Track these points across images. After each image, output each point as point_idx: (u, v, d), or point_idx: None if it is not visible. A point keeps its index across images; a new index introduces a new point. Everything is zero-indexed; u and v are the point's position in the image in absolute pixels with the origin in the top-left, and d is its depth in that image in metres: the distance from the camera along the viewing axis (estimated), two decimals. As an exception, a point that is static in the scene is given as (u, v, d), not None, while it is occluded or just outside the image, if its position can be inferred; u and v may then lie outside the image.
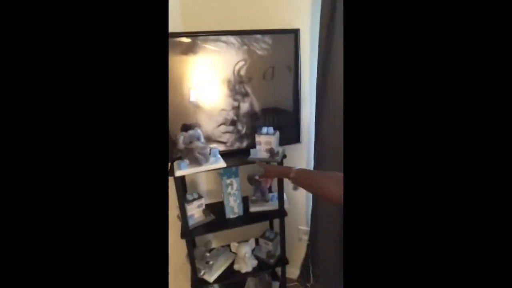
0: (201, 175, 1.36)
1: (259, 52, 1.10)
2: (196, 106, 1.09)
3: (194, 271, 1.14)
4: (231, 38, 1.06)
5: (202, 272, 1.16)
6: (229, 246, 1.31)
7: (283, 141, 1.16)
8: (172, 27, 1.15)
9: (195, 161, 1.01)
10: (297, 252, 1.52)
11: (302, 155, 1.35)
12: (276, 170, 0.94)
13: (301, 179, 0.78)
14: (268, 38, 1.09)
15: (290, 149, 1.25)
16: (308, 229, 1.44)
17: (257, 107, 1.17)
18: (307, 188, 0.80)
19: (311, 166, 1.34)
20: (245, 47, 1.08)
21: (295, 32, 1.12)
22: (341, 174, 0.66)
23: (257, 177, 0.99)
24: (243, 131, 1.17)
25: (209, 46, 1.05)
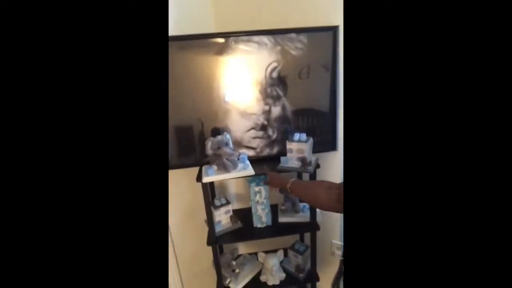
0: (230, 180, 1.33)
1: (293, 53, 1.02)
2: (230, 107, 1.05)
3: (220, 278, 1.12)
4: (264, 38, 1.00)
5: (228, 280, 1.13)
6: (256, 254, 1.26)
7: (317, 148, 1.07)
8: (205, 28, 1.14)
9: (223, 167, 0.98)
10: (330, 267, 1.41)
11: (338, 165, 1.22)
12: (278, 179, 0.91)
13: (296, 189, 0.81)
14: (303, 37, 1.01)
15: (324, 158, 1.15)
16: (342, 244, 1.33)
17: (289, 110, 1.09)
18: (302, 197, 0.85)
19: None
20: (279, 48, 1.01)
21: (334, 30, 1.01)
22: (330, 182, 0.73)
23: (262, 183, 0.99)
24: (274, 136, 1.11)
25: (242, 47, 1.00)
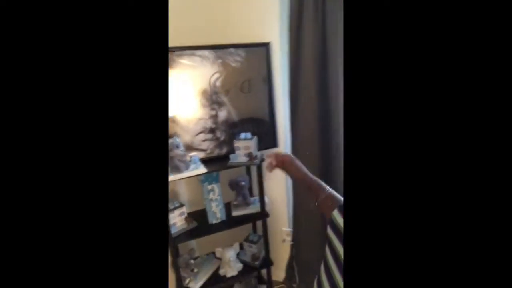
0: (182, 185, 1.38)
1: (233, 65, 1.18)
2: (172, 121, 1.14)
3: (179, 279, 1.15)
4: (206, 52, 1.13)
5: (187, 280, 1.17)
6: (213, 253, 1.33)
7: (261, 146, 1.23)
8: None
9: (176, 169, 1.05)
10: (282, 253, 1.56)
11: (280, 159, 1.42)
12: (300, 169, 0.73)
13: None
14: (241, 51, 1.18)
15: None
16: (291, 229, 1.50)
17: (234, 116, 1.23)
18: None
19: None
20: (220, 60, 1.15)
21: (266, 46, 1.21)
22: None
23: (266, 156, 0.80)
24: (222, 138, 1.23)
25: (185, 61, 1.11)
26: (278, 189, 1.47)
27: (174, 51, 1.08)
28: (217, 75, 1.16)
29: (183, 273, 1.17)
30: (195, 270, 1.19)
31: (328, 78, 1.17)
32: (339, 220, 0.55)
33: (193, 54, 1.12)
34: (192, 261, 1.19)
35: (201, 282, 1.21)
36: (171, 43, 1.11)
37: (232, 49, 1.17)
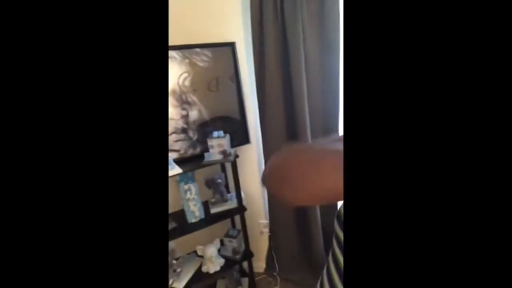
0: (158, 187, 1.37)
1: (201, 64, 1.20)
2: None
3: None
4: (173, 52, 1.14)
5: (171, 281, 1.17)
6: (195, 251, 1.34)
7: (234, 143, 1.27)
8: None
9: (151, 171, 1.04)
10: (261, 245, 1.63)
11: (253, 154, 1.47)
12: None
13: None
14: (207, 51, 1.20)
15: (241, 150, 1.37)
16: (268, 221, 1.57)
17: (206, 115, 1.25)
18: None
19: (261, 162, 1.47)
20: (187, 60, 1.17)
21: (232, 45, 1.25)
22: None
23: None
24: (195, 137, 1.25)
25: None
26: (253, 184, 1.52)
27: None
28: (185, 75, 1.18)
29: (165, 275, 1.16)
30: (178, 270, 1.20)
31: (291, 73, 1.25)
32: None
33: (159, 55, 1.11)
34: (174, 262, 1.20)
35: (184, 281, 1.21)
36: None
37: (198, 49, 1.18)
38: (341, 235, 0.47)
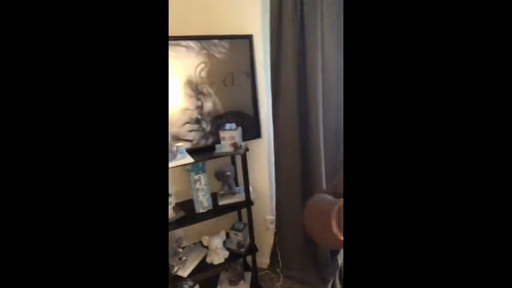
0: (170, 175, 1.38)
1: (218, 56, 1.20)
2: None
3: (168, 268, 1.17)
4: (191, 43, 1.14)
5: (176, 268, 1.19)
6: (200, 241, 1.36)
7: (245, 137, 1.27)
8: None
9: (163, 159, 1.06)
10: (266, 241, 1.63)
11: (263, 148, 1.47)
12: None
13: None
14: (225, 43, 1.20)
15: (252, 145, 1.37)
16: (274, 218, 1.56)
17: (220, 108, 1.26)
18: None
19: (271, 157, 1.46)
20: (205, 51, 1.17)
21: (249, 38, 1.25)
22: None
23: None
24: (208, 129, 1.25)
25: (170, 52, 1.11)
26: (262, 179, 1.52)
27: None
28: (202, 65, 1.18)
29: (171, 262, 1.18)
30: (183, 258, 1.21)
31: (306, 70, 1.23)
32: None
33: (178, 45, 1.12)
34: (180, 250, 1.21)
35: (189, 270, 1.23)
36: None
37: (216, 40, 1.19)
38: None
